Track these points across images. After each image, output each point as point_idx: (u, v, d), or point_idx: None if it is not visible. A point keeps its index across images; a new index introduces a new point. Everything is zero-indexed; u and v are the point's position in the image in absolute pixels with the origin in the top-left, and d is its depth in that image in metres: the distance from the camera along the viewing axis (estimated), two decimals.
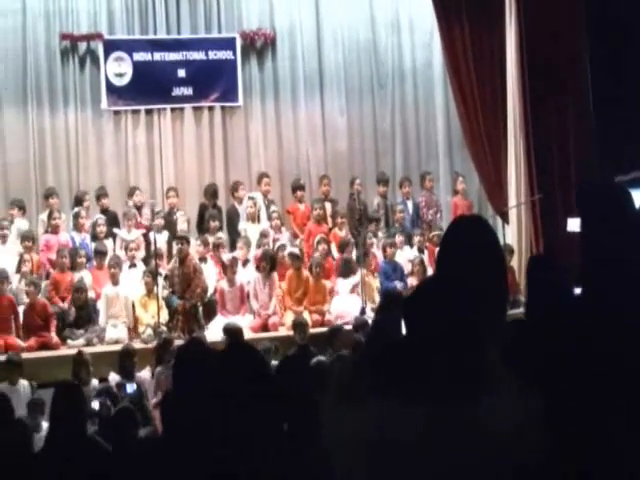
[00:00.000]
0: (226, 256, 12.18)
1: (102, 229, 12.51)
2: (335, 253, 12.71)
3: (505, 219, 13.36)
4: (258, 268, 11.92)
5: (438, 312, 2.37)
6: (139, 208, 13.07)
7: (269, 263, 11.81)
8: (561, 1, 13.23)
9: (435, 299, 2.43)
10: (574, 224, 12.29)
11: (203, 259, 12.15)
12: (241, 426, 3.22)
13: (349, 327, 10.69)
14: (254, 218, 13.05)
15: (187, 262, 11.61)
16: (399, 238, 12.94)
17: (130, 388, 8.57)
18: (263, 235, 12.68)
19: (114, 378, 9.34)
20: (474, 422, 2.22)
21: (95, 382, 9.27)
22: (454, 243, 2.59)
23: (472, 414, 2.23)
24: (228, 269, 11.78)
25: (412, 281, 12.18)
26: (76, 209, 12.89)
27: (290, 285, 11.91)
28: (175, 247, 12.15)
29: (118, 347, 10.17)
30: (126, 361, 9.51)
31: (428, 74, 15.27)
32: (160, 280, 11.59)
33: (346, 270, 12.16)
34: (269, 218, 13.20)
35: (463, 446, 2.22)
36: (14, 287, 11.53)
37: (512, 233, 13.36)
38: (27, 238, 12.08)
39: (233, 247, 12.83)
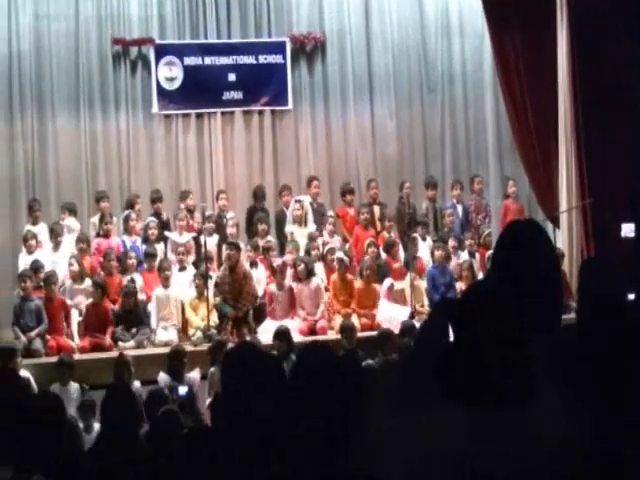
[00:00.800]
0: (276, 261, 12.18)
1: (154, 232, 12.56)
2: (383, 255, 12.68)
3: (556, 223, 13.23)
4: (299, 280, 11.88)
5: (489, 317, 2.35)
6: (191, 212, 13.11)
7: (305, 267, 11.80)
8: (614, 6, 13.09)
9: (486, 303, 2.41)
10: (628, 229, 12.18)
11: (254, 264, 12.15)
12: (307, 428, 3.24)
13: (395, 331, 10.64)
14: (301, 221, 13.05)
15: (237, 269, 11.62)
16: (452, 243, 12.85)
17: (182, 390, 8.59)
18: (311, 239, 12.69)
19: (163, 378, 9.39)
20: (520, 428, 2.20)
21: (137, 384, 9.31)
22: (509, 245, 2.58)
23: (519, 420, 2.21)
24: (277, 274, 11.80)
25: (460, 286, 12.10)
26: (126, 212, 12.98)
27: (335, 289, 11.90)
28: (225, 252, 12.24)
29: (168, 349, 10.19)
30: (176, 362, 9.52)
31: (478, 77, 15.21)
32: (210, 284, 11.64)
33: (382, 273, 12.11)
34: (318, 222, 13.18)
35: (508, 452, 2.20)
36: (67, 289, 11.71)
37: (563, 238, 13.24)
38: (82, 240, 12.20)
39: (282, 250, 12.85)
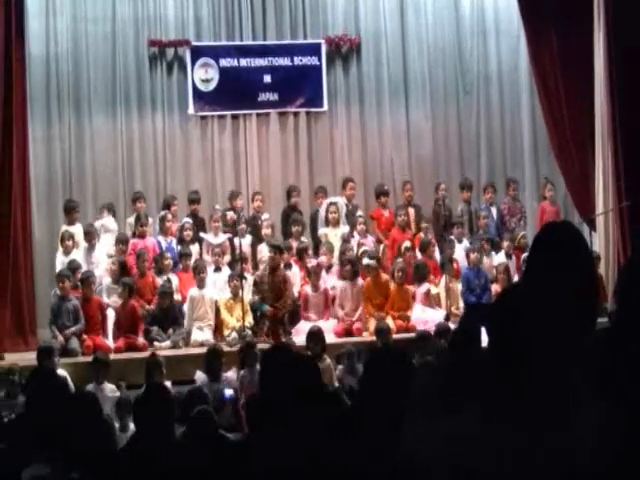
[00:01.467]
0: (310, 262, 12.20)
1: (189, 233, 12.64)
2: (419, 256, 12.66)
3: (592, 226, 13.14)
4: (343, 277, 11.92)
5: (524, 320, 2.35)
6: (239, 213, 12.97)
7: (352, 267, 11.81)
8: None
9: (521, 307, 2.41)
10: None
11: (288, 265, 12.18)
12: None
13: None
14: (336, 223, 13.05)
15: (278, 272, 11.68)
16: (485, 245, 12.81)
17: (228, 393, 8.60)
18: (345, 240, 12.71)
19: (200, 377, 9.42)
20: (556, 432, 2.20)
21: (168, 384, 9.32)
22: (544, 248, 2.57)
23: (554, 424, 2.20)
24: (312, 275, 11.82)
25: (496, 288, 12.05)
26: (162, 213, 13.05)
27: (369, 292, 11.90)
28: (260, 251, 12.32)
29: (203, 350, 10.22)
30: (213, 361, 9.54)
31: (514, 79, 15.14)
32: (246, 284, 11.68)
33: (418, 275, 12.10)
34: (351, 223, 13.17)
35: (543, 464, 2.19)
36: (104, 289, 11.83)
37: (599, 240, 13.15)
38: (121, 241, 12.32)
39: (316, 251, 12.87)
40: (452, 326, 10.29)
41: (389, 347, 3.81)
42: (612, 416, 2.24)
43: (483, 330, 2.54)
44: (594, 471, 2.19)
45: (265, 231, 12.84)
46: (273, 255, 11.67)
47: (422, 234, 13.09)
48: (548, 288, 2.44)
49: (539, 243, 2.63)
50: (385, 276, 12.04)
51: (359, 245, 12.70)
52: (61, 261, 12.12)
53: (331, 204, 13.12)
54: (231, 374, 9.63)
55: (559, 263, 2.50)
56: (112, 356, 10.49)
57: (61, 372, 9.24)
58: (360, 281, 11.92)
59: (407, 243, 12.60)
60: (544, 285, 2.47)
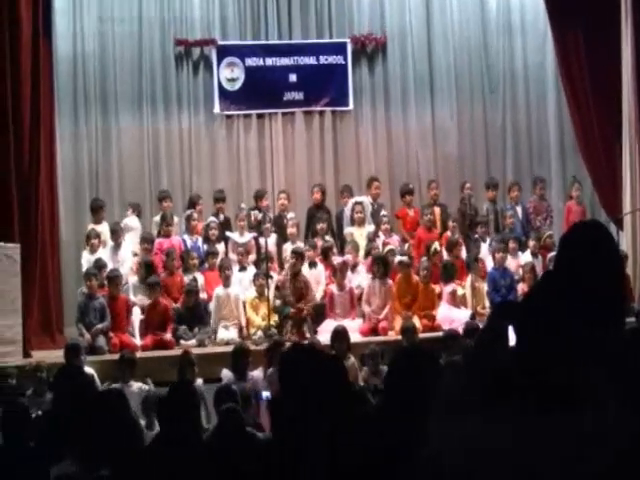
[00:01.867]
0: (336, 260, 12.21)
1: (214, 232, 12.68)
2: (446, 256, 12.63)
3: (619, 226, 13.06)
4: (373, 274, 11.90)
5: (551, 321, 2.35)
6: (265, 212, 12.98)
7: (382, 266, 11.79)
8: None
9: (549, 305, 2.40)
10: None
11: (313, 263, 12.19)
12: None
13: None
14: (361, 223, 13.06)
15: (299, 277, 11.71)
16: (512, 245, 12.76)
17: (265, 395, 8.62)
18: (370, 239, 12.71)
19: (226, 375, 9.43)
20: (579, 432, 2.19)
21: (200, 382, 9.37)
22: (572, 246, 2.55)
23: (578, 424, 2.19)
24: (338, 273, 11.82)
25: (522, 287, 12.00)
26: (188, 211, 13.09)
27: (399, 290, 11.88)
28: (285, 250, 12.35)
29: (229, 348, 10.24)
30: (240, 360, 9.54)
31: (540, 77, 15.08)
32: (271, 283, 11.70)
33: (446, 275, 12.08)
34: (376, 222, 13.17)
35: (564, 455, 2.18)
36: (130, 287, 11.89)
37: (627, 240, 13.06)
38: (146, 240, 12.37)
39: (342, 250, 12.87)
40: (480, 325, 10.28)
41: (416, 346, 3.78)
42: (634, 419, 2.24)
43: (511, 329, 2.51)
44: (611, 474, 2.18)
45: (290, 230, 12.86)
46: (294, 261, 11.70)
47: (449, 233, 13.06)
48: (576, 287, 2.43)
49: (567, 242, 2.62)
50: (416, 276, 12.01)
51: (384, 244, 12.70)
52: (87, 260, 12.21)
53: (356, 203, 13.13)
54: (257, 373, 9.64)
55: (587, 262, 2.49)
56: (139, 354, 10.54)
57: (88, 370, 9.27)
58: (389, 280, 11.90)
59: (436, 244, 12.56)
60: (571, 284, 2.46)
